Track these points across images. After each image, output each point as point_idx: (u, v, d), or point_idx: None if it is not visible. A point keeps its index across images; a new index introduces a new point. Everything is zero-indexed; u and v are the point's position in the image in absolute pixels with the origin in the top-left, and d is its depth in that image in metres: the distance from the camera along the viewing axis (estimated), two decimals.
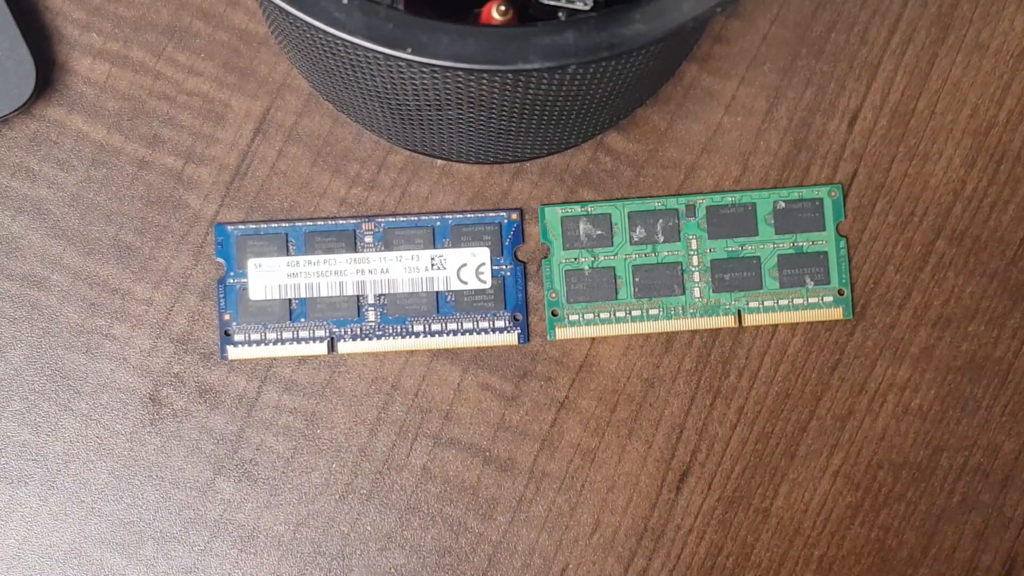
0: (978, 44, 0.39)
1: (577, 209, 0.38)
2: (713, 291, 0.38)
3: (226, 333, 0.37)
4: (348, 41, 0.26)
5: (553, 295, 0.38)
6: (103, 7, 0.38)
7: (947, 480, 0.38)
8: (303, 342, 0.37)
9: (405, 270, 0.38)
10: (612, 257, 0.38)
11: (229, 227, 0.38)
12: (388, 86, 0.30)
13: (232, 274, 0.38)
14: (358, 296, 0.38)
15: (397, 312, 0.37)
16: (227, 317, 0.37)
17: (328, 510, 0.37)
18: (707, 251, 0.38)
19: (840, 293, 0.38)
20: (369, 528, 0.37)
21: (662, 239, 0.38)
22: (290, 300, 0.37)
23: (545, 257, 0.38)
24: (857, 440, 0.38)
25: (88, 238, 0.38)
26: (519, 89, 0.29)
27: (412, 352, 0.38)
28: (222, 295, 0.37)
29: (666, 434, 0.38)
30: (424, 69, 0.28)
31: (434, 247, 0.38)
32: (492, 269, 0.38)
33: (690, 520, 0.37)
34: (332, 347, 0.37)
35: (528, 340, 0.38)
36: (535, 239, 0.38)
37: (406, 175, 0.38)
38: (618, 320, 0.38)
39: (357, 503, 0.37)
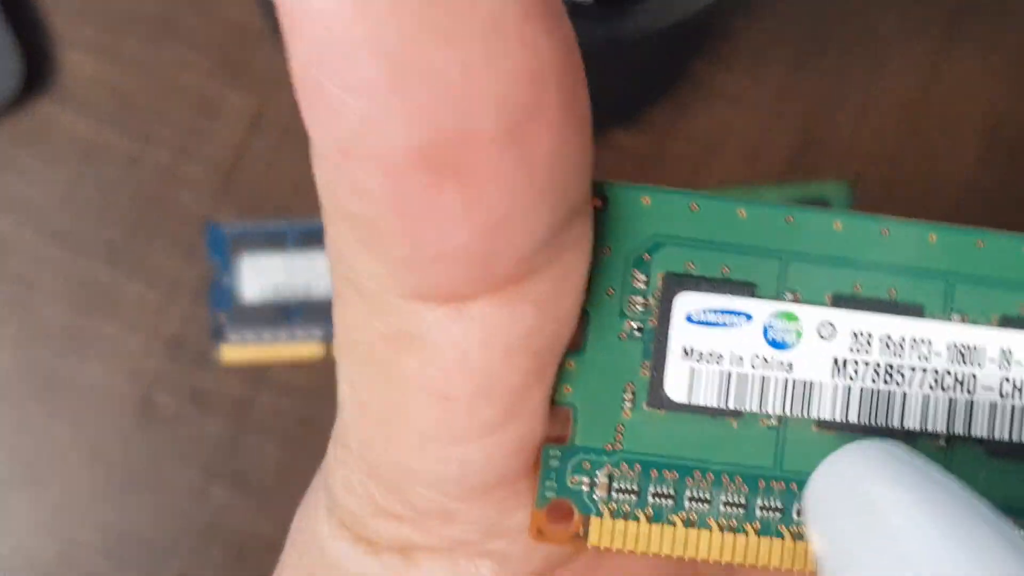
0: (990, 39, 0.38)
1: None
2: None
3: (219, 334, 0.37)
4: None
5: None
6: None
7: None
8: (298, 343, 0.37)
9: None
10: None
11: (223, 226, 0.37)
12: None
13: (226, 274, 0.37)
14: None
15: None
16: (221, 318, 0.37)
17: None
18: None
19: None
20: None
21: None
22: (285, 300, 0.37)
23: None
24: None
25: (78, 236, 0.37)
26: None
27: None
28: (215, 295, 0.37)
29: None
30: None
31: None
32: None
33: None
34: (328, 349, 0.37)
35: None
36: None
37: None
38: None
39: None
